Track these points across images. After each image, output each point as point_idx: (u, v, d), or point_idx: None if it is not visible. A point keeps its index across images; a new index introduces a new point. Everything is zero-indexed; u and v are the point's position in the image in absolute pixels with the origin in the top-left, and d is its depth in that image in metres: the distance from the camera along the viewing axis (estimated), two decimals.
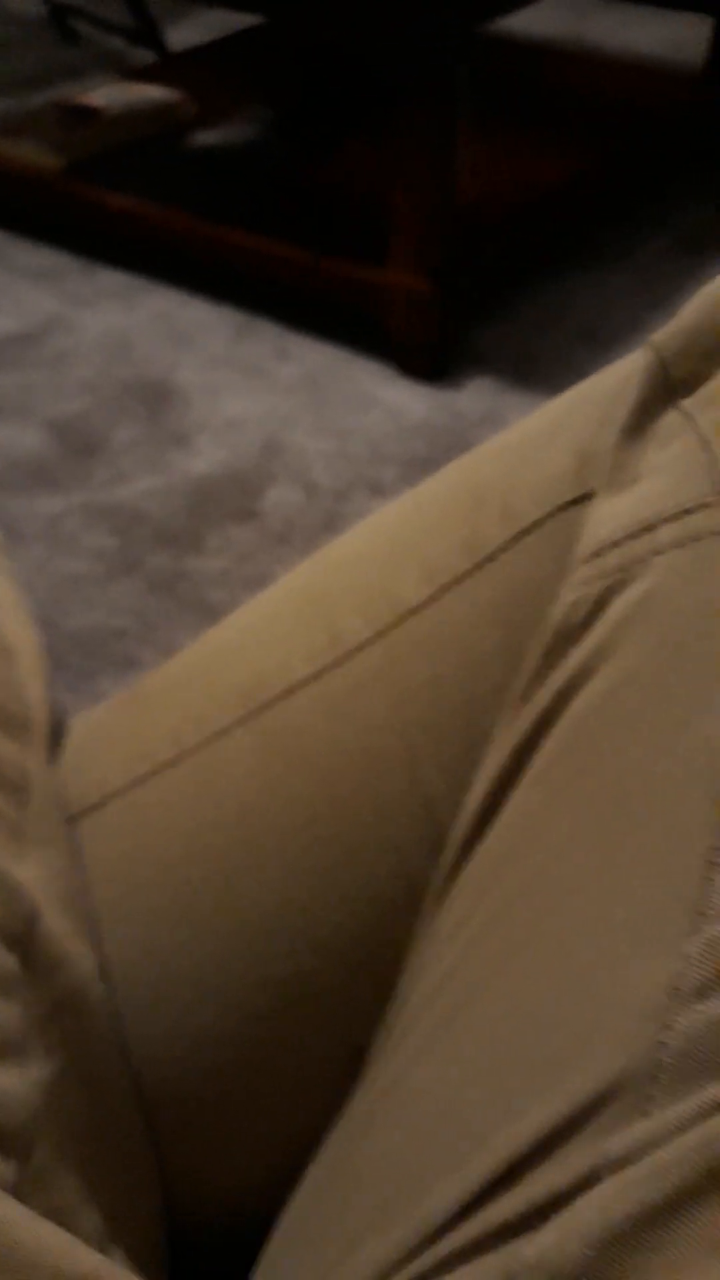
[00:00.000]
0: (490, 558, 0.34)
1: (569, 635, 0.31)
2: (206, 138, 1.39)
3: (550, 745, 0.30)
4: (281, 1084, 0.35)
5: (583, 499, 0.33)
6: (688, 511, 0.29)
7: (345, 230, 1.23)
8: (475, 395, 1.15)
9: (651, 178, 1.44)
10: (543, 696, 0.31)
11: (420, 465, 1.06)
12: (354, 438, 1.10)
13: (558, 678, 0.30)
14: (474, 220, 1.23)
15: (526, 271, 1.31)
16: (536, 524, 0.33)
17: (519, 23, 1.59)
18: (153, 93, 1.41)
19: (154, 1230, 0.35)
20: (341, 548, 0.37)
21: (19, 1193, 0.28)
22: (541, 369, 1.19)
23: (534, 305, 1.27)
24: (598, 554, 0.31)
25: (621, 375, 0.34)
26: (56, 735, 0.41)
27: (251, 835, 0.34)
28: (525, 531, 0.34)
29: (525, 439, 0.36)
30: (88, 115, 1.36)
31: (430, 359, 1.18)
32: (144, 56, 1.77)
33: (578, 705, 0.30)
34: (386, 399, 1.16)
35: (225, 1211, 0.37)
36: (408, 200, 1.15)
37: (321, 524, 1.00)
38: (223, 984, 0.34)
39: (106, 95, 1.39)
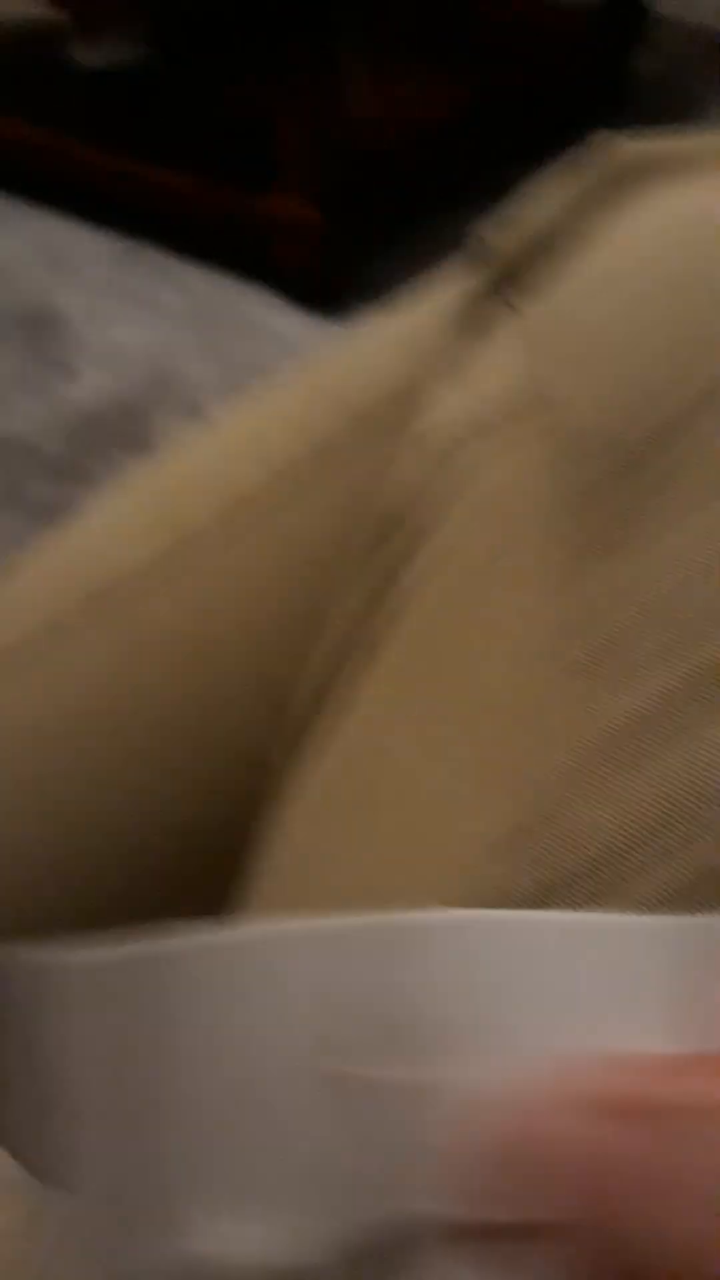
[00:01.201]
0: (328, 449, 0.35)
1: (395, 519, 0.32)
2: (87, 58, 1.35)
3: (378, 624, 0.31)
4: None
5: (416, 391, 0.34)
6: (508, 400, 0.30)
7: (232, 156, 1.22)
8: None
9: (551, 109, 1.45)
10: (372, 578, 0.32)
11: None
12: (243, 367, 1.10)
13: (385, 559, 0.31)
14: (366, 149, 1.22)
15: (423, 203, 1.31)
16: (370, 415, 0.34)
17: None
18: (25, 6, 1.37)
19: None
20: (186, 445, 0.38)
21: None
22: None
23: (431, 237, 1.27)
24: (422, 439, 0.32)
25: (456, 271, 0.35)
26: None
27: (100, 725, 0.34)
28: (360, 423, 0.34)
29: (365, 335, 0.37)
30: None
31: (319, 288, 1.18)
32: None
33: (402, 584, 0.31)
34: (276, 328, 1.15)
35: None
36: (293, 126, 1.13)
37: None
38: (77, 871, 0.35)
39: None
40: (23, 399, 1.05)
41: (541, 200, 0.33)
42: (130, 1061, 0.14)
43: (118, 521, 0.37)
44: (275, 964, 0.14)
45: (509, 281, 0.33)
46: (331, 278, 1.18)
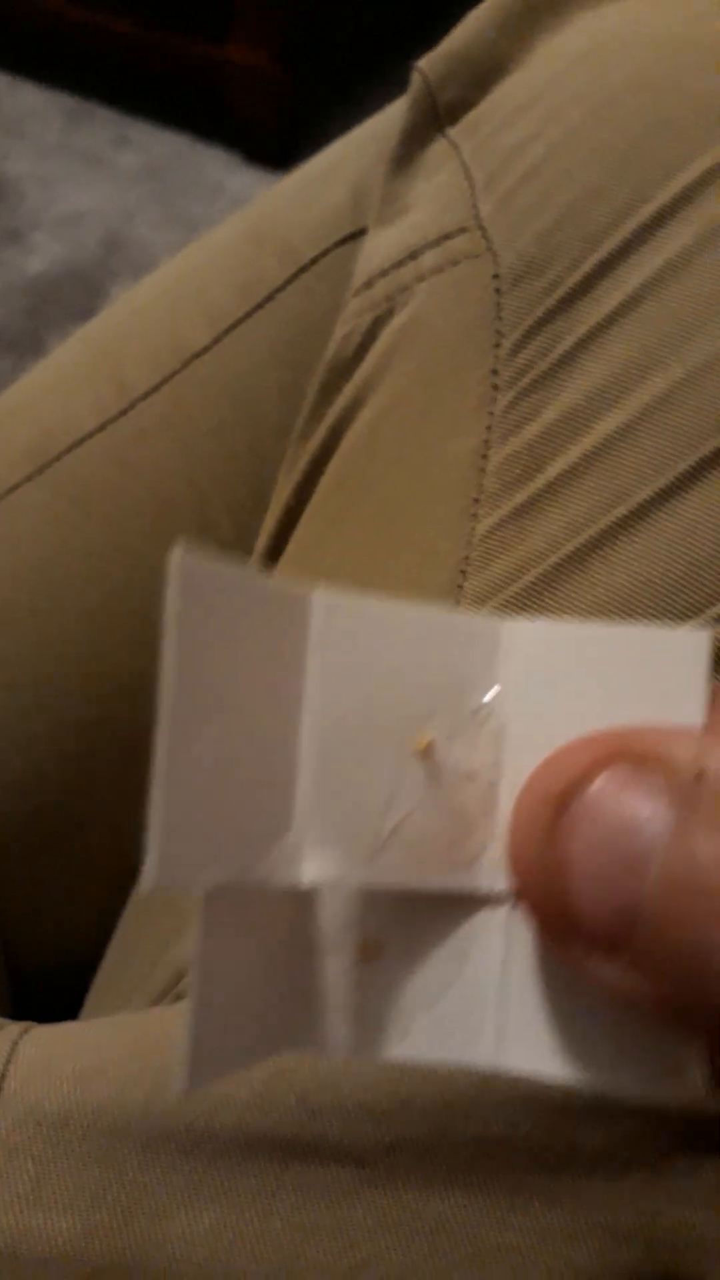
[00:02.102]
0: (269, 298, 0.34)
1: (342, 369, 0.31)
2: None
3: (326, 479, 0.31)
4: (97, 823, 0.36)
5: (358, 234, 0.33)
6: (447, 237, 0.29)
7: (184, 3, 1.15)
8: None
9: None
10: (320, 432, 0.31)
11: None
12: (201, 229, 1.06)
13: (332, 413, 0.31)
14: None
15: (382, 50, 1.25)
16: (313, 262, 0.33)
17: None
18: None
19: None
20: (128, 299, 0.37)
21: None
22: None
23: (390, 85, 1.22)
24: (368, 285, 0.31)
25: (399, 108, 0.34)
26: None
27: (48, 586, 0.34)
28: (303, 270, 0.33)
29: (306, 178, 0.36)
30: None
31: (278, 143, 1.13)
32: None
33: (350, 437, 0.30)
34: (234, 188, 1.11)
35: (62, 952, 0.39)
36: None
37: None
38: (30, 732, 0.35)
39: None
40: None
41: (471, 28, 0.32)
42: (270, 681, 0.15)
43: (58, 376, 0.36)
44: (391, 637, 0.16)
45: (445, 115, 0.32)
46: (291, 132, 1.13)
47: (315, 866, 0.15)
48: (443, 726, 0.16)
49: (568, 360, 0.27)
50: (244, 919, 0.15)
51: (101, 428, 0.34)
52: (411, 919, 0.16)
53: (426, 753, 0.16)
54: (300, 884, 0.15)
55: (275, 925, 0.16)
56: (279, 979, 0.16)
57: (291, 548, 0.32)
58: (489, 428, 0.27)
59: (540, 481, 0.26)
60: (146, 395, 0.34)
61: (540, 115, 0.29)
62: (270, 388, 0.33)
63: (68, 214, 1.07)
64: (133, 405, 0.34)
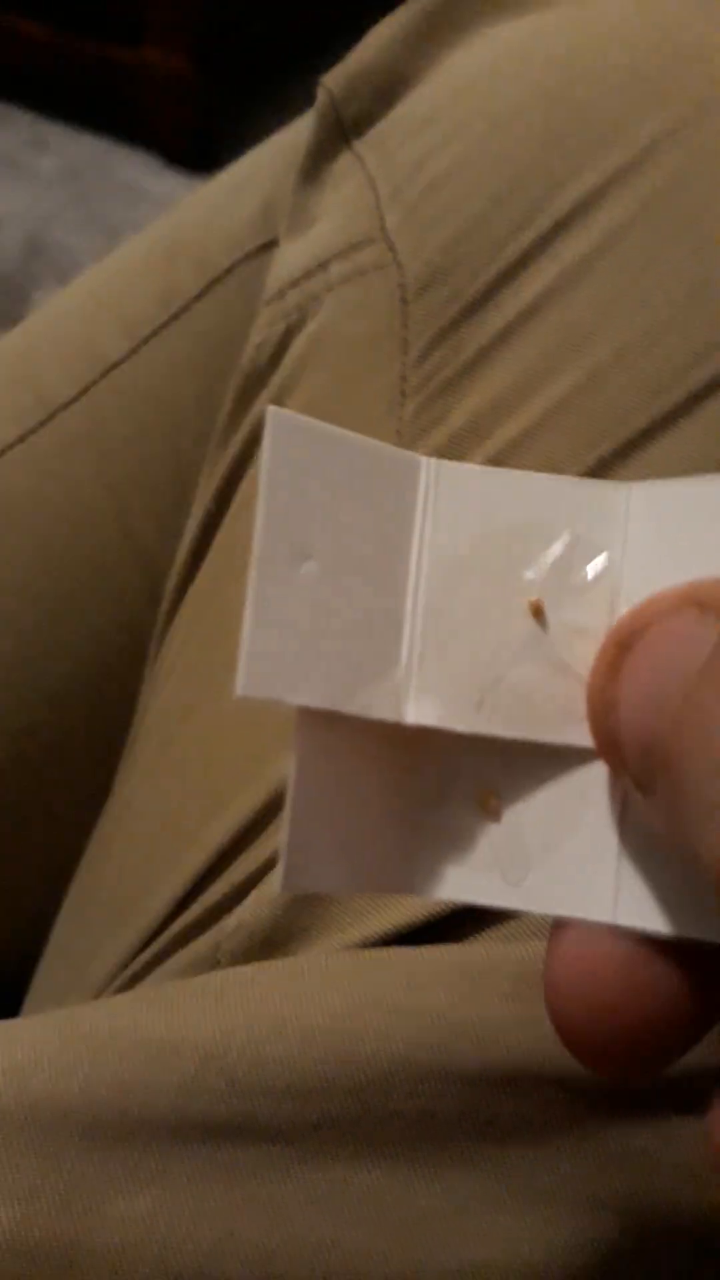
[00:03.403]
0: (185, 308, 0.34)
1: (257, 377, 0.32)
2: None
3: (246, 484, 0.32)
4: (31, 829, 0.37)
5: (269, 245, 0.34)
6: (354, 248, 0.30)
7: (98, 6, 1.15)
8: None
9: None
10: (237, 439, 0.32)
11: None
12: (123, 233, 1.06)
13: (249, 419, 0.32)
14: None
15: (299, 48, 1.25)
16: (227, 272, 0.34)
17: None
18: None
19: None
20: (45, 310, 0.37)
21: None
22: None
23: (308, 85, 1.23)
24: (279, 295, 0.32)
25: (307, 122, 0.35)
26: None
27: None
28: (216, 280, 0.34)
29: (218, 191, 0.36)
30: None
31: (196, 146, 1.14)
32: None
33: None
34: (155, 191, 1.11)
35: (6, 949, 0.40)
36: None
37: None
38: None
39: None
40: None
41: (375, 44, 0.33)
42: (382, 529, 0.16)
43: None
44: (506, 497, 0.16)
45: (350, 128, 0.33)
46: (208, 135, 1.13)
47: (420, 708, 0.15)
48: (556, 585, 0.16)
49: (472, 367, 0.28)
50: (345, 750, 0.15)
51: (21, 439, 0.34)
52: (527, 773, 0.16)
53: (536, 610, 0.16)
54: (404, 721, 0.15)
55: (381, 767, 0.16)
56: (389, 821, 0.16)
57: (212, 552, 0.33)
58: (398, 432, 0.28)
59: None
60: (66, 405, 0.35)
61: (443, 129, 0.31)
62: (188, 396, 0.34)
63: None
64: (52, 416, 0.35)
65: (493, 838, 0.16)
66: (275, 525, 0.14)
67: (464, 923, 0.24)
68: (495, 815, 0.16)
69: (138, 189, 1.11)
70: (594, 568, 0.16)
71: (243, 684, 0.14)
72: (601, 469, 0.26)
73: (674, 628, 0.14)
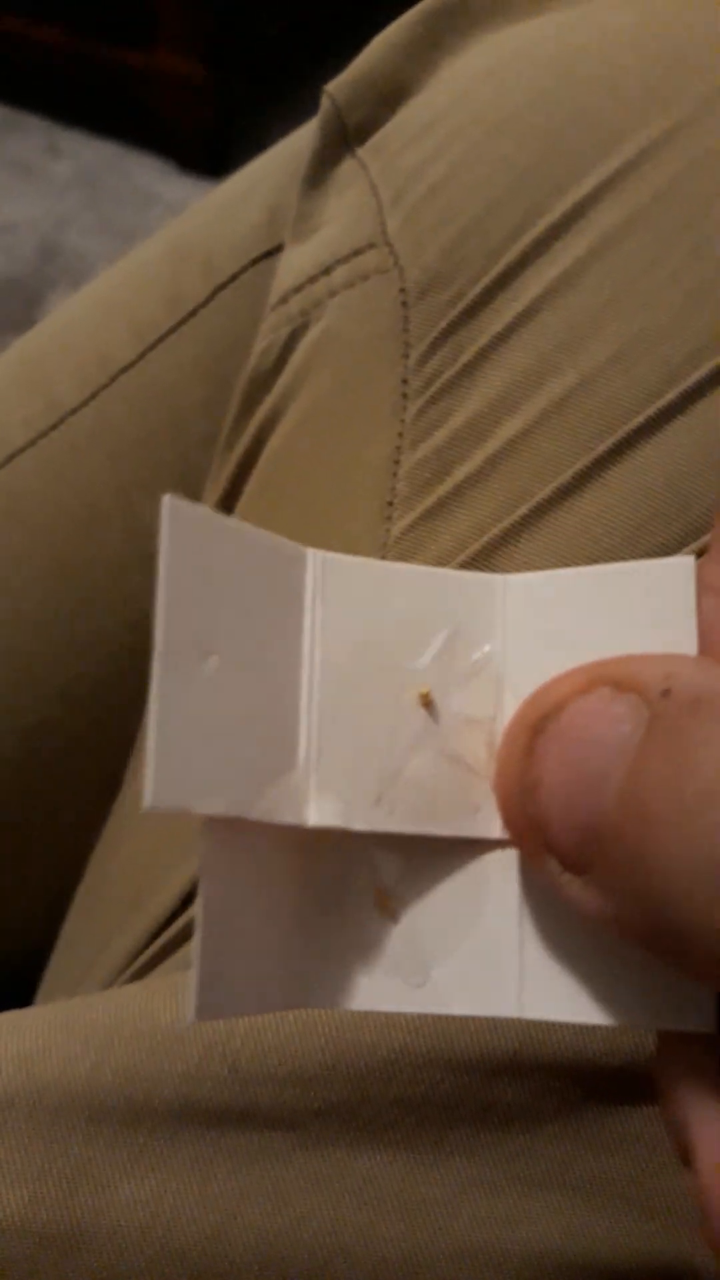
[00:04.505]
0: (192, 313, 0.35)
1: (262, 381, 0.32)
2: None
3: (252, 486, 0.33)
4: (45, 822, 0.37)
5: (275, 251, 0.34)
6: (357, 253, 0.31)
7: (111, 10, 1.16)
8: None
9: None
10: (243, 442, 0.33)
11: None
12: (137, 237, 1.07)
13: (254, 423, 0.32)
14: None
15: (311, 52, 1.26)
16: (233, 278, 0.35)
17: None
18: None
19: None
20: (57, 316, 0.38)
21: None
22: None
23: (321, 90, 1.23)
24: (283, 300, 0.32)
25: (311, 129, 0.35)
26: None
27: None
28: (223, 286, 0.35)
29: (226, 196, 0.37)
30: None
31: (209, 151, 1.14)
32: None
33: (271, 446, 0.32)
34: (168, 195, 1.12)
35: (18, 943, 0.40)
36: None
37: None
38: None
39: None
40: None
41: (377, 52, 0.33)
42: (268, 630, 0.16)
43: None
44: (388, 592, 0.17)
45: (354, 135, 0.33)
46: (221, 139, 1.14)
47: (320, 809, 0.15)
48: (442, 677, 0.16)
49: (471, 369, 0.28)
50: (249, 859, 0.15)
51: (32, 442, 0.35)
52: (424, 869, 0.16)
53: (426, 701, 0.16)
54: (305, 824, 0.15)
55: (283, 872, 0.16)
56: (292, 929, 0.16)
57: None
58: (400, 434, 0.29)
59: (449, 484, 0.28)
60: (76, 410, 0.35)
61: (443, 134, 0.31)
62: (195, 400, 0.35)
63: (1, 224, 1.07)
64: (62, 420, 0.35)
65: (392, 939, 0.16)
66: (177, 620, 0.14)
67: None
68: (393, 916, 0.16)
69: (151, 193, 1.12)
70: (477, 657, 0.16)
71: (152, 796, 0.14)
72: (598, 468, 0.26)
73: (592, 706, 0.14)
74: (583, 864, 0.14)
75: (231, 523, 0.15)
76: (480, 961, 0.16)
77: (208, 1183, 0.22)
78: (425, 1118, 0.22)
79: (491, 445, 0.27)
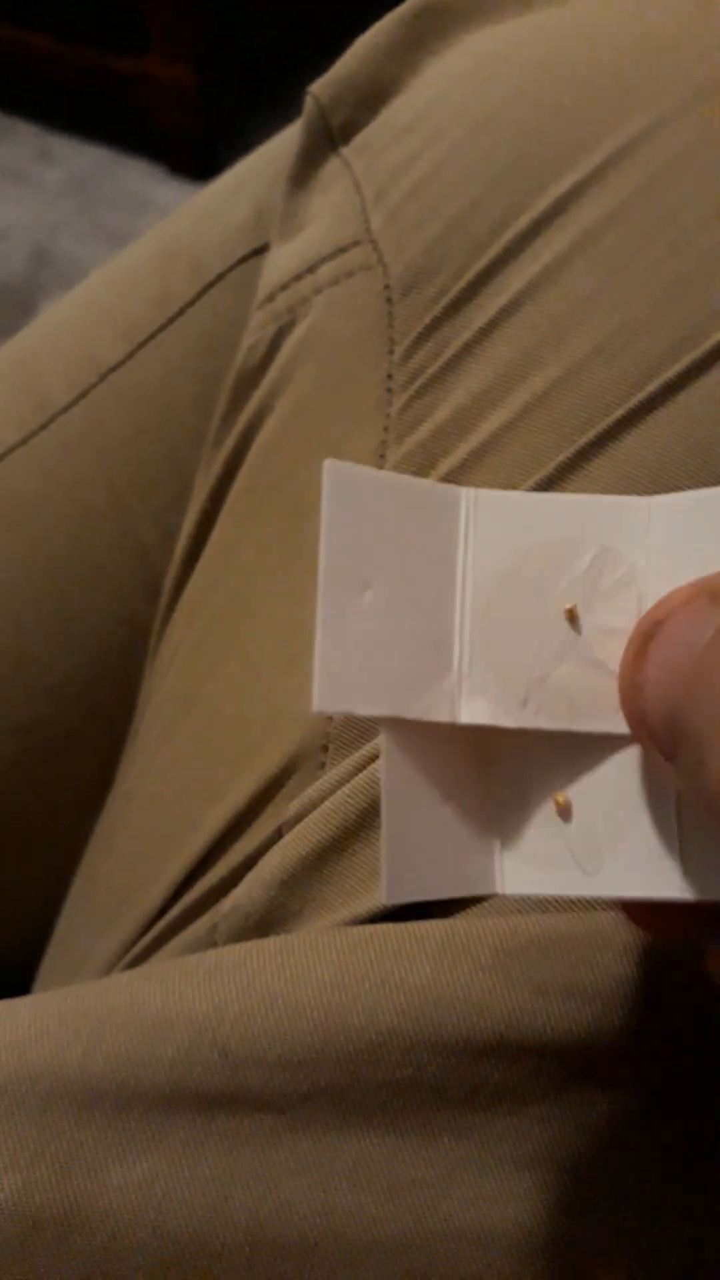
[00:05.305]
0: (180, 312, 0.35)
1: (249, 378, 0.33)
2: None
3: (240, 482, 0.33)
4: (39, 819, 0.38)
5: (261, 250, 0.35)
6: (341, 250, 0.31)
7: (101, 17, 1.16)
8: None
9: None
10: (231, 439, 0.33)
11: None
12: (128, 242, 1.07)
13: (242, 419, 0.33)
14: (238, 1, 1.17)
15: (301, 57, 1.26)
16: (220, 277, 0.35)
17: None
18: None
19: None
20: (46, 317, 0.38)
21: None
22: None
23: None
24: (270, 298, 0.33)
25: (296, 130, 0.36)
26: None
27: None
28: (210, 285, 0.35)
29: (212, 197, 0.37)
30: None
31: (199, 155, 1.15)
32: None
33: (259, 441, 0.32)
34: (159, 200, 1.12)
35: (14, 938, 0.40)
36: None
37: None
38: None
39: None
40: None
41: (361, 53, 0.34)
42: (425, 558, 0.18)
43: None
44: (538, 518, 0.18)
45: (338, 135, 0.34)
46: (212, 144, 1.15)
47: (472, 708, 0.18)
48: (587, 593, 0.18)
49: (455, 363, 0.29)
50: (426, 760, 0.17)
51: (23, 441, 0.35)
52: (591, 771, 0.18)
53: (571, 616, 0.18)
54: (459, 721, 0.17)
55: (462, 774, 0.18)
56: (473, 825, 0.18)
57: (209, 548, 0.34)
58: (386, 428, 0.29)
59: (434, 478, 0.28)
60: (66, 409, 0.35)
61: (425, 133, 0.31)
62: (184, 397, 0.35)
63: None
64: (53, 419, 0.35)
65: (568, 833, 0.18)
66: (335, 562, 0.17)
67: (447, 899, 0.25)
68: (567, 814, 0.18)
69: (143, 198, 1.13)
70: (620, 575, 0.18)
71: (318, 700, 0.16)
72: (581, 459, 0.27)
73: (689, 615, 0.16)
74: (671, 752, 0.16)
75: (386, 476, 0.17)
76: (646, 849, 0.17)
77: (199, 1166, 0.22)
78: (413, 1099, 0.23)
79: (476, 439, 0.28)
